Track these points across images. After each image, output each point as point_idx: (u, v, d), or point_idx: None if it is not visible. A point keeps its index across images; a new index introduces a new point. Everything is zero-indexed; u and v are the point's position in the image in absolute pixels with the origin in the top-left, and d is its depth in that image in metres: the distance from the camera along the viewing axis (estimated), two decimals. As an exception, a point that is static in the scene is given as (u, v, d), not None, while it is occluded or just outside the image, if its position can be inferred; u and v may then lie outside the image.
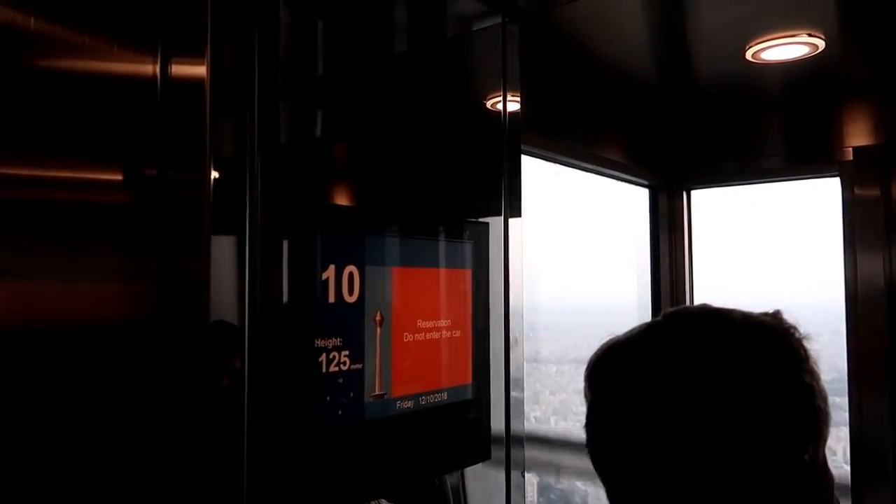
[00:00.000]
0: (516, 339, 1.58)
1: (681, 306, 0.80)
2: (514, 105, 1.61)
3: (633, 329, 0.78)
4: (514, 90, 1.61)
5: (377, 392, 1.22)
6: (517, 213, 1.61)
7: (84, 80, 0.83)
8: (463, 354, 1.44)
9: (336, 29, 1.22)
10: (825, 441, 0.72)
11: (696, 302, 2.67)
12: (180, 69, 0.93)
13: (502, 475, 1.53)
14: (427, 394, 1.34)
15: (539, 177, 2.13)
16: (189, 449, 0.90)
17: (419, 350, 1.32)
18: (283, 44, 1.11)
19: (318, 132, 1.20)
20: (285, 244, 1.08)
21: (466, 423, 1.44)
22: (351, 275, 1.17)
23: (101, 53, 0.85)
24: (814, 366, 0.71)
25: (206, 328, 0.94)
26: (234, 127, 1.01)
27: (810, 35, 1.77)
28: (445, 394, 1.38)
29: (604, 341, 0.79)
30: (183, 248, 0.93)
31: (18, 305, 0.76)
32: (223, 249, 0.98)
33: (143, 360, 0.87)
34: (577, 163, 2.25)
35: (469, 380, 1.45)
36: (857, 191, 2.25)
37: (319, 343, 1.12)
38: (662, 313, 0.78)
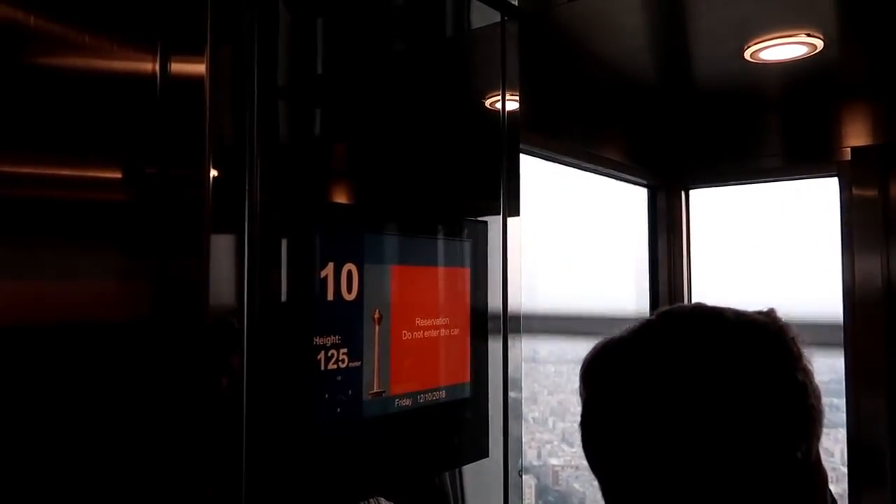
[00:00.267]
0: (514, 338, 1.58)
1: (674, 305, 0.80)
2: (512, 104, 1.62)
3: (627, 328, 0.78)
4: (512, 89, 1.62)
5: (376, 390, 1.22)
6: (516, 213, 1.61)
7: (84, 78, 0.83)
8: (461, 353, 1.45)
9: (335, 28, 1.23)
10: (818, 439, 0.72)
11: (694, 301, 2.68)
12: (180, 67, 0.93)
13: (500, 474, 1.53)
14: (425, 392, 1.34)
15: (538, 176, 2.14)
16: (188, 447, 0.91)
17: (418, 348, 1.33)
18: (283, 42, 1.12)
19: (318, 131, 1.20)
20: (284, 242, 1.08)
21: (464, 422, 1.44)
22: (350, 273, 1.18)
23: (101, 51, 0.85)
24: (807, 364, 0.71)
25: (205, 327, 0.95)
26: (234, 125, 1.01)
27: (809, 35, 1.78)
28: (444, 392, 1.38)
29: (598, 340, 0.79)
30: (182, 247, 0.93)
31: (17, 304, 0.76)
32: (222, 248, 0.98)
33: (142, 359, 0.87)
34: (575, 162, 2.25)
35: (467, 378, 1.45)
36: (855, 191, 2.25)
37: (318, 341, 1.12)
38: (656, 312, 0.78)
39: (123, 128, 0.87)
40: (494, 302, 1.54)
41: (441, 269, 1.40)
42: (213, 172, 0.96)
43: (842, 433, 2.28)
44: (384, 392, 1.24)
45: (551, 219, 2.72)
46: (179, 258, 0.92)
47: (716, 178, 2.67)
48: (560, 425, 3.89)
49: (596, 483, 0.78)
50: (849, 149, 2.28)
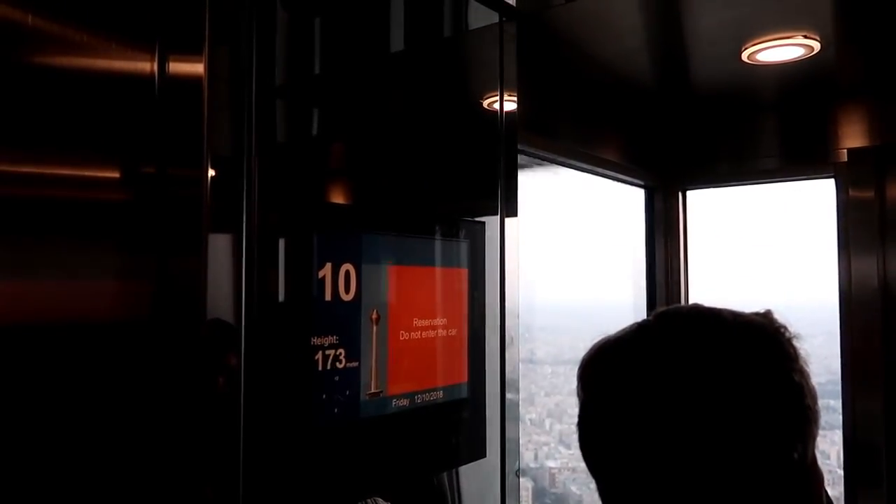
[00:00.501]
0: (512, 339, 1.59)
1: (672, 306, 0.81)
2: (510, 105, 1.62)
3: (625, 329, 0.78)
4: (510, 90, 1.62)
5: (373, 390, 1.22)
6: (513, 213, 1.61)
7: (82, 77, 0.83)
8: (459, 353, 1.45)
9: (333, 28, 1.23)
10: (814, 440, 0.72)
11: (691, 302, 2.68)
12: (178, 67, 0.93)
13: (497, 475, 1.54)
14: (423, 392, 1.34)
15: (536, 176, 2.14)
16: (185, 447, 0.91)
17: (415, 348, 1.33)
18: (281, 43, 1.12)
19: (316, 131, 1.20)
20: (282, 242, 1.08)
21: (462, 422, 1.45)
22: (347, 273, 1.18)
23: (99, 51, 0.85)
24: (804, 365, 0.71)
25: (203, 326, 0.95)
26: (232, 125, 1.01)
27: (806, 37, 1.78)
28: (441, 392, 1.38)
29: (596, 341, 0.80)
30: (180, 247, 0.93)
31: (15, 303, 0.76)
32: (220, 248, 0.98)
33: (140, 358, 0.87)
34: (573, 163, 2.26)
35: (465, 378, 1.45)
36: (851, 192, 2.26)
37: (316, 341, 1.12)
38: (653, 313, 0.79)
39: (122, 127, 0.87)
40: (492, 302, 1.54)
41: (439, 270, 1.40)
42: (211, 172, 0.96)
43: (838, 435, 2.29)
44: (382, 392, 1.24)
45: (548, 219, 2.72)
46: (178, 258, 0.92)
47: (713, 180, 2.67)
48: (557, 427, 3.88)
49: (593, 485, 0.78)
50: (845, 150, 2.29)
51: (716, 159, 2.61)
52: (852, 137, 2.30)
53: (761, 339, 0.72)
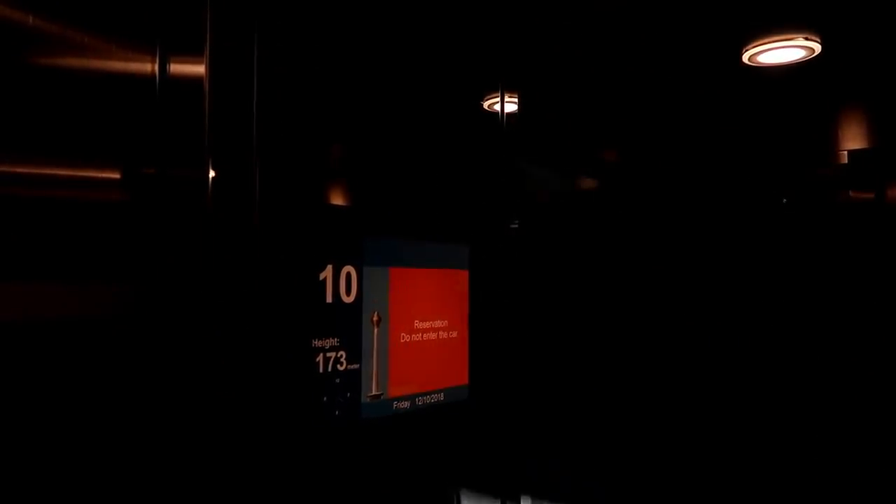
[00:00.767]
0: (513, 341, 1.58)
1: None
2: (511, 106, 1.61)
3: None
4: (511, 91, 1.61)
5: (374, 392, 1.22)
6: (515, 215, 1.61)
7: (82, 78, 0.83)
8: (460, 355, 1.44)
9: (336, 30, 1.22)
10: None
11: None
12: (179, 68, 0.92)
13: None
14: (424, 394, 1.34)
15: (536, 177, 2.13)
16: (187, 448, 0.90)
17: (416, 351, 1.32)
18: (283, 44, 1.11)
19: (318, 133, 1.20)
20: (284, 243, 1.07)
21: (463, 424, 1.44)
22: (349, 275, 1.17)
23: (100, 52, 0.84)
24: None
25: (204, 326, 0.94)
26: (233, 126, 1.01)
27: (807, 38, 1.78)
28: (442, 394, 1.38)
29: None
30: (181, 247, 0.92)
31: (16, 302, 0.76)
32: (221, 248, 0.98)
33: (142, 358, 0.86)
34: (574, 164, 2.25)
35: (466, 381, 1.45)
36: (851, 193, 2.25)
37: (317, 343, 1.11)
38: None
39: (123, 128, 0.86)
40: (493, 304, 1.54)
41: (440, 272, 1.40)
42: (213, 173, 0.95)
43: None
44: (382, 394, 1.24)
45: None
46: (179, 258, 0.92)
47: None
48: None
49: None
50: (846, 152, 2.28)
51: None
52: (852, 139, 2.29)
53: None
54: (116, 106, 0.86)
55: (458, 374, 1.43)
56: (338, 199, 1.21)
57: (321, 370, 1.12)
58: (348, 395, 1.17)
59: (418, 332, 1.33)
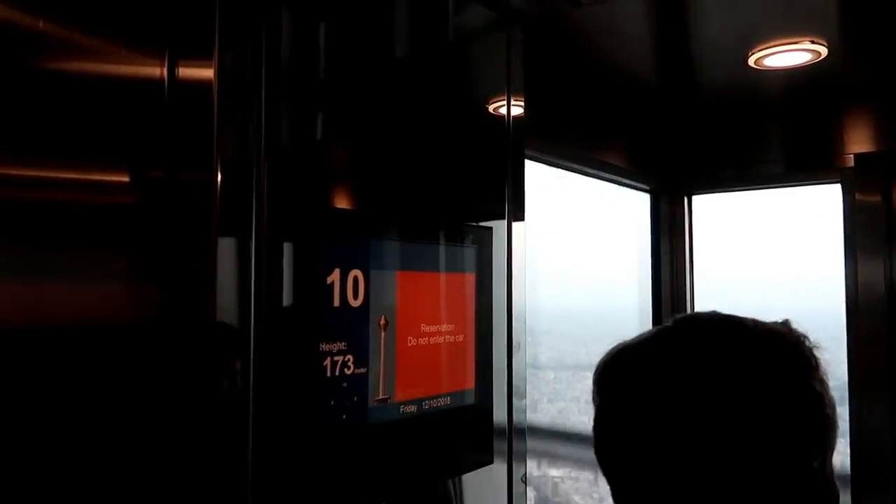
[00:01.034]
0: (518, 345, 1.58)
1: (691, 312, 0.80)
2: (517, 109, 1.61)
3: (643, 333, 0.78)
4: (517, 94, 1.61)
5: (381, 396, 1.22)
6: (520, 217, 1.60)
7: (92, 82, 0.83)
8: (466, 359, 1.44)
9: (342, 34, 1.22)
10: (832, 451, 0.72)
11: (697, 307, 2.67)
12: (188, 72, 0.93)
13: (503, 482, 1.53)
14: (430, 398, 1.34)
15: (541, 181, 2.14)
16: (194, 451, 0.90)
17: (423, 354, 1.32)
18: (291, 48, 1.11)
19: (325, 136, 1.20)
20: (291, 247, 1.07)
21: (469, 428, 1.44)
22: (356, 279, 1.17)
23: (110, 56, 0.85)
24: (823, 375, 0.71)
25: (211, 330, 0.94)
26: (241, 130, 1.01)
27: (813, 42, 1.78)
28: (448, 398, 1.38)
29: (613, 345, 0.79)
30: (189, 251, 0.92)
31: (27, 306, 0.76)
32: (229, 252, 0.98)
33: (149, 362, 0.86)
34: (578, 167, 2.25)
35: (472, 384, 1.45)
36: (858, 197, 2.25)
37: (324, 347, 1.11)
38: (672, 319, 0.78)
39: (132, 131, 0.87)
40: (499, 307, 1.53)
41: (446, 275, 1.40)
42: (221, 176, 0.95)
43: (843, 442, 2.28)
44: (389, 398, 1.24)
45: (554, 224, 2.72)
46: (187, 262, 0.92)
47: (719, 184, 2.67)
48: (561, 435, 3.85)
49: (596, 496, 0.77)
50: (852, 155, 2.28)
51: (722, 164, 2.60)
52: (859, 142, 2.29)
53: (783, 347, 0.71)
54: (126, 109, 0.86)
55: (464, 378, 1.43)
56: (345, 203, 1.21)
57: (328, 374, 1.12)
58: (355, 398, 1.16)
59: (425, 336, 1.33)
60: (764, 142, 2.51)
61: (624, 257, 2.84)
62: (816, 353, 0.72)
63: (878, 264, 2.20)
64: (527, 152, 1.70)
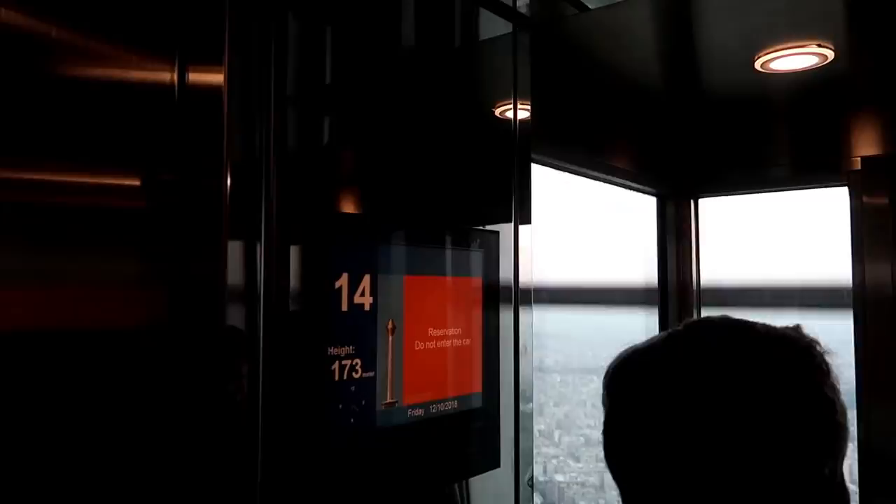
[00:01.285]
0: (525, 348, 1.58)
1: (702, 317, 0.80)
2: (524, 113, 1.62)
3: (654, 337, 0.78)
4: (524, 98, 1.62)
5: (389, 400, 1.22)
6: (527, 221, 1.61)
7: (104, 87, 0.84)
8: (473, 363, 1.44)
9: (351, 40, 1.23)
10: (844, 457, 0.71)
11: (704, 311, 2.67)
12: (198, 77, 0.93)
13: (510, 485, 1.53)
14: (437, 402, 1.34)
15: (547, 184, 2.14)
16: (203, 454, 0.90)
17: (430, 358, 1.32)
18: (299, 53, 1.12)
19: (333, 140, 1.20)
20: (300, 252, 1.08)
21: (476, 432, 1.44)
22: (364, 283, 1.18)
23: (121, 62, 0.85)
24: (835, 381, 0.71)
25: (221, 333, 0.95)
26: (251, 134, 1.02)
27: (820, 45, 1.78)
28: (455, 402, 1.38)
29: (622, 349, 0.79)
30: (199, 254, 0.93)
31: (37, 309, 0.76)
32: (239, 256, 0.98)
33: (159, 366, 0.87)
34: (585, 171, 2.25)
35: (479, 388, 1.45)
36: (865, 200, 2.25)
37: (332, 351, 1.12)
38: (683, 323, 0.78)
39: (142, 136, 0.87)
40: (506, 311, 1.54)
41: (453, 279, 1.40)
42: (230, 181, 0.96)
43: (850, 446, 2.26)
44: (397, 402, 1.24)
45: (560, 226, 2.71)
46: (197, 265, 0.92)
47: (725, 187, 2.66)
48: (566, 439, 3.81)
49: (602, 502, 0.78)
50: (859, 158, 2.27)
51: (728, 167, 2.60)
52: (866, 145, 2.28)
53: (794, 352, 0.71)
54: (137, 114, 0.87)
55: (471, 382, 1.43)
56: (353, 207, 1.22)
57: (336, 378, 1.12)
58: (363, 402, 1.17)
59: (432, 340, 1.33)
60: (770, 145, 2.51)
61: (630, 260, 2.84)
62: (828, 358, 0.72)
63: (886, 267, 2.19)
64: (533, 156, 1.71)
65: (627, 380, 0.77)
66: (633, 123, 2.47)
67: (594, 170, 2.28)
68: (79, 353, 0.80)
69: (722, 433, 0.67)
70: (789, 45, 1.79)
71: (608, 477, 0.78)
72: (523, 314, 1.57)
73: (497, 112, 1.59)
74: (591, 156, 2.25)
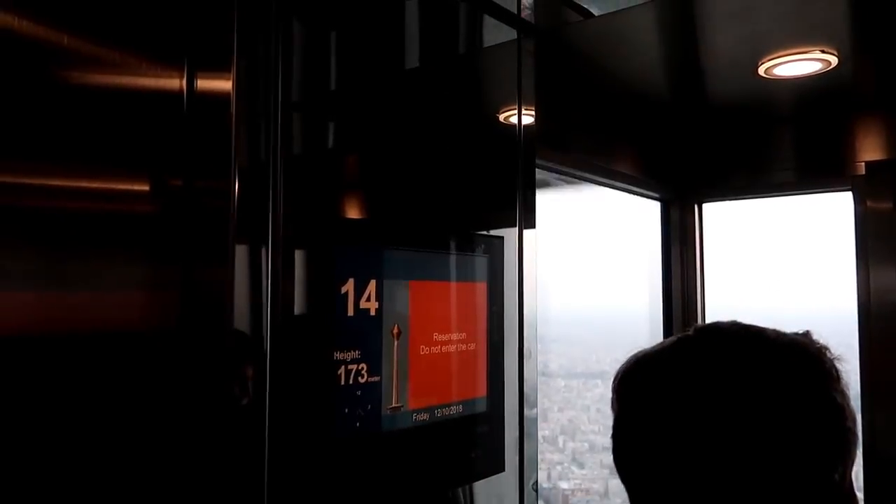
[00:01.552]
0: (530, 353, 1.58)
1: (712, 322, 0.80)
2: (528, 118, 1.62)
3: (663, 342, 0.78)
4: (528, 104, 1.63)
5: (394, 404, 1.22)
6: (532, 226, 1.61)
7: (114, 94, 0.85)
8: (478, 367, 1.45)
9: (356, 46, 1.24)
10: (853, 463, 0.71)
11: (708, 315, 2.66)
12: (206, 83, 0.94)
13: (514, 489, 1.53)
14: (442, 406, 1.34)
15: (551, 188, 2.14)
16: (210, 457, 0.91)
17: (435, 363, 1.33)
18: (306, 60, 1.13)
19: (339, 146, 1.21)
20: (307, 256, 1.09)
21: (481, 436, 1.44)
22: (370, 288, 1.18)
23: (131, 69, 0.86)
24: (844, 387, 0.71)
25: (228, 337, 0.95)
26: (258, 140, 1.03)
27: (823, 51, 1.78)
28: (460, 406, 1.38)
29: (632, 353, 0.79)
30: (207, 259, 0.94)
31: (46, 313, 0.77)
32: (246, 261, 0.99)
33: (166, 370, 0.88)
34: (589, 176, 2.26)
35: (483, 392, 1.45)
36: (869, 205, 2.25)
37: (338, 356, 1.12)
38: (693, 328, 0.78)
39: (151, 141, 0.88)
40: (510, 315, 1.54)
41: (458, 284, 1.40)
42: (238, 186, 0.97)
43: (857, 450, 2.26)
44: (402, 406, 1.24)
45: (564, 232, 2.72)
46: (204, 270, 0.93)
47: (729, 192, 2.66)
48: (570, 445, 3.79)
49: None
50: (863, 163, 2.28)
51: (732, 172, 2.60)
52: (870, 150, 2.29)
53: (804, 358, 0.71)
54: (146, 120, 0.88)
55: (476, 386, 1.43)
56: (359, 212, 1.22)
57: (342, 382, 1.13)
58: (369, 406, 1.17)
59: (437, 345, 1.33)
60: (774, 150, 2.51)
61: (634, 265, 2.84)
62: (838, 364, 0.72)
63: (890, 271, 2.19)
64: (538, 161, 1.72)
65: (637, 384, 0.77)
66: (637, 129, 2.48)
67: (599, 175, 2.28)
68: (88, 356, 0.80)
69: (731, 438, 0.67)
70: (793, 51, 1.79)
71: (612, 484, 0.79)
72: (527, 318, 1.57)
73: (502, 118, 1.60)
74: (594, 161, 2.25)
